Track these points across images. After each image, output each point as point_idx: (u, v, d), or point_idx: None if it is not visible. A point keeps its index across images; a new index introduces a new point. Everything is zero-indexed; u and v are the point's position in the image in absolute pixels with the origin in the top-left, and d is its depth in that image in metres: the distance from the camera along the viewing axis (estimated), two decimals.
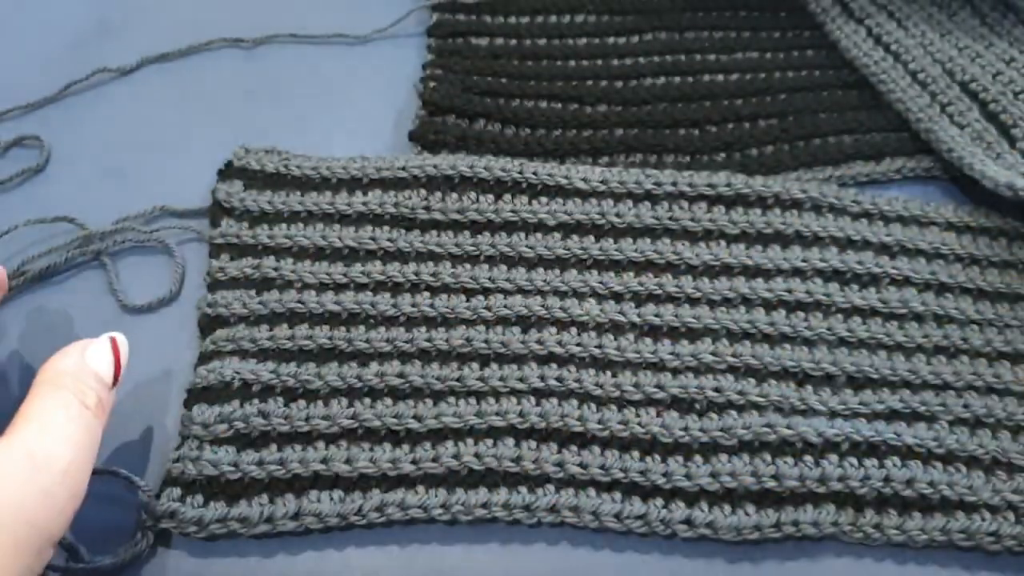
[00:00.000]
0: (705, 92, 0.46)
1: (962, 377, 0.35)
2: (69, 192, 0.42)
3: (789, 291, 0.37)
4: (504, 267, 0.38)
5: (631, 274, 0.38)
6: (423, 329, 0.36)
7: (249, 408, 0.33)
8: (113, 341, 0.31)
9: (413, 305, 0.36)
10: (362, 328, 0.36)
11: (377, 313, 0.36)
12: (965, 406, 0.35)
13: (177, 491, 0.32)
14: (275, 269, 0.37)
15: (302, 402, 0.34)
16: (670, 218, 0.39)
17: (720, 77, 0.47)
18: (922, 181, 0.44)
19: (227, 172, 0.41)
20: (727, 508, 0.32)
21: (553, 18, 0.50)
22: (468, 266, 0.38)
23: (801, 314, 0.37)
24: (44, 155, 0.43)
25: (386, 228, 0.39)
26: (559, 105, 0.45)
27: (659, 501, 0.32)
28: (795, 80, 0.47)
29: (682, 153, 0.43)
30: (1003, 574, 0.32)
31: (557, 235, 0.39)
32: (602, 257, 0.38)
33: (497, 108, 0.44)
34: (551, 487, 0.32)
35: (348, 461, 0.32)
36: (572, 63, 0.48)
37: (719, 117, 0.45)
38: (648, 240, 0.39)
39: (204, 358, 0.36)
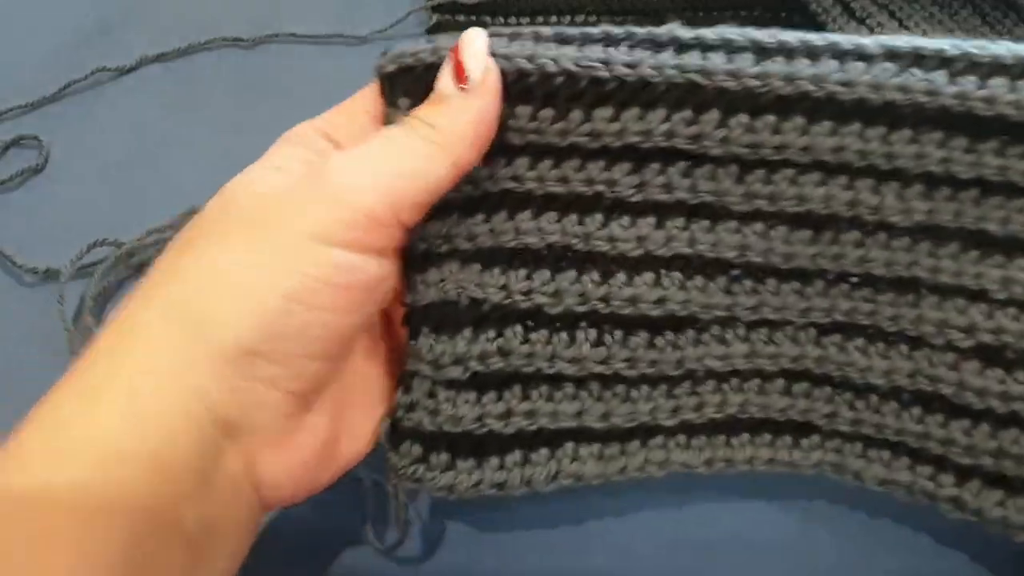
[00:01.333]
0: None
1: None
2: (68, 191, 0.42)
3: None
4: (801, 118, 0.26)
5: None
6: (679, 220, 0.27)
7: (486, 343, 0.27)
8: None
9: (662, 174, 0.27)
10: (599, 218, 0.27)
11: (612, 194, 0.27)
12: None
13: (417, 448, 0.28)
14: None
15: (543, 331, 0.28)
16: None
17: None
18: None
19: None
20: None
21: (554, 18, 0.50)
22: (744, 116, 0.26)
23: None
24: (43, 155, 0.43)
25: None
26: None
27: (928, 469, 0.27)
28: None
29: None
30: None
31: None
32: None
33: None
34: (816, 438, 0.28)
35: (605, 416, 0.28)
36: None
37: None
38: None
39: (416, 262, 0.28)
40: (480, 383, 0.28)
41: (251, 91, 0.47)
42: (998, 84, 0.24)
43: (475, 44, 0.26)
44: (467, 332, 0.28)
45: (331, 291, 0.24)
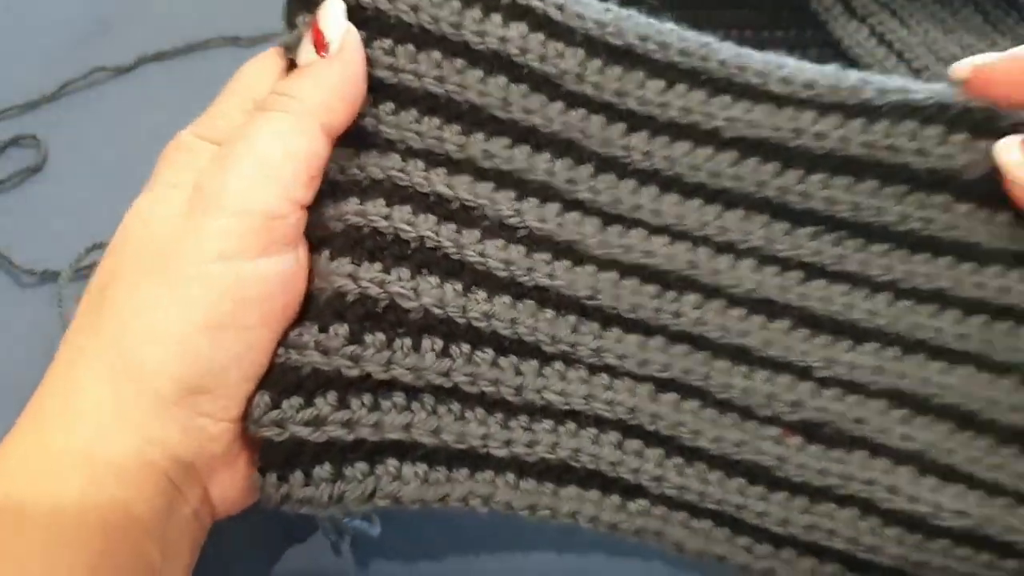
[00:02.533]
0: None
1: None
2: (66, 191, 0.42)
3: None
4: (655, 188, 0.28)
5: (807, 230, 0.28)
6: (547, 255, 0.27)
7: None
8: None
9: (539, 218, 0.27)
10: (476, 234, 0.27)
11: (495, 215, 0.27)
12: None
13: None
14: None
15: (381, 334, 0.26)
16: (888, 146, 0.27)
17: None
18: None
19: None
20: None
21: None
22: (614, 176, 0.28)
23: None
24: (41, 154, 0.43)
25: (524, 87, 0.27)
26: None
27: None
28: None
29: None
30: None
31: (733, 152, 0.28)
32: (778, 199, 0.28)
33: None
34: (643, 503, 0.27)
35: (435, 432, 0.26)
36: None
37: None
38: (851, 179, 0.27)
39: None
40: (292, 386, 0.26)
41: None
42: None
43: (332, 10, 0.27)
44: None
45: (251, 307, 0.24)
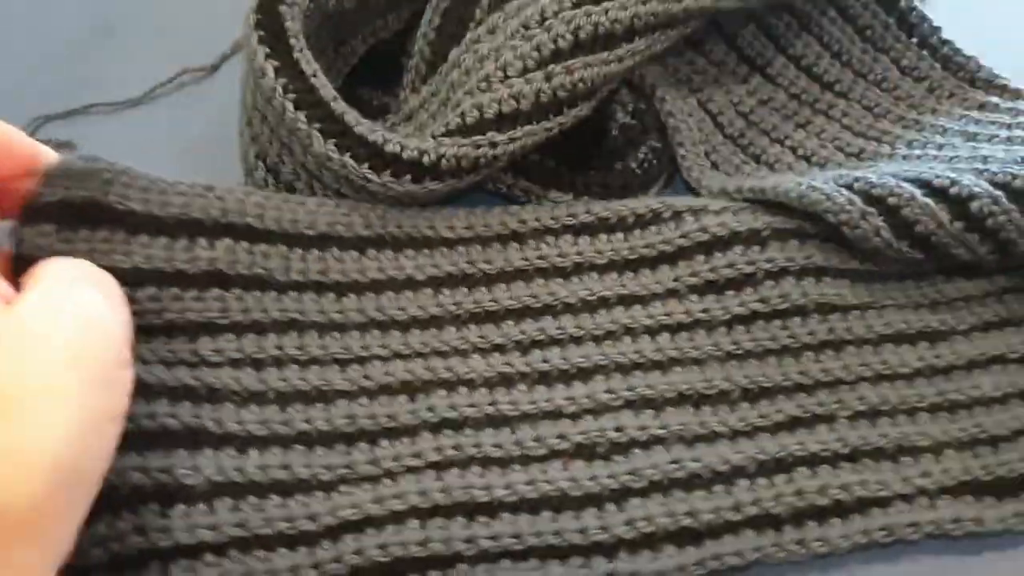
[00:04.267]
0: None
1: (852, 369, 0.35)
2: None
3: (668, 314, 0.36)
4: (377, 332, 0.34)
5: (511, 322, 0.35)
6: (299, 406, 0.32)
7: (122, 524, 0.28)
8: None
9: (282, 380, 0.32)
10: (230, 406, 0.31)
11: (242, 389, 0.31)
12: (860, 398, 0.34)
13: None
14: None
15: (181, 506, 0.29)
16: (539, 257, 0.37)
17: None
18: None
19: (35, 210, 0.32)
20: (647, 553, 0.30)
21: None
22: (337, 335, 0.34)
23: (685, 334, 0.35)
24: None
25: (237, 291, 0.33)
26: None
27: (577, 560, 0.30)
28: None
29: None
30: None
31: (428, 291, 0.36)
32: (478, 309, 0.36)
33: None
34: (464, 567, 0.30)
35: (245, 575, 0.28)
36: None
37: None
38: (522, 283, 0.36)
39: None
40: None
41: None
42: None
43: None
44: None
45: None
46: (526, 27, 0.38)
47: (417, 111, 0.41)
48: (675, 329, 0.36)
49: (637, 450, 0.32)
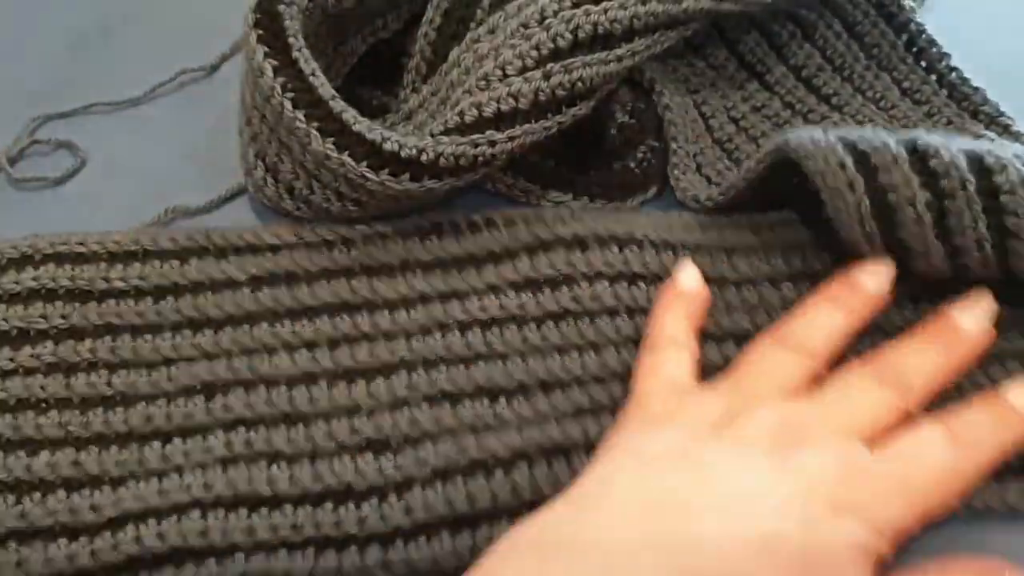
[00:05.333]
0: None
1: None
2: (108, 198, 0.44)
3: (483, 309, 0.36)
4: (189, 332, 0.36)
5: (325, 318, 0.36)
6: (100, 411, 0.34)
7: None
8: None
9: (89, 385, 0.34)
10: (31, 414, 0.33)
11: (48, 396, 0.34)
12: None
13: None
14: None
15: None
16: (366, 256, 0.38)
17: None
18: None
19: None
20: (422, 540, 0.31)
21: None
22: (149, 337, 0.36)
23: (496, 330, 0.36)
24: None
25: (59, 304, 0.36)
26: None
27: (353, 549, 0.31)
28: None
29: None
30: None
31: (247, 290, 0.37)
32: (295, 305, 0.37)
33: None
34: (241, 556, 0.30)
35: (19, 564, 0.30)
36: None
37: None
38: (344, 280, 0.37)
39: None
40: None
41: None
42: None
43: None
44: None
45: None
46: (525, 26, 0.38)
47: (417, 110, 0.41)
48: (487, 325, 0.36)
49: (427, 442, 0.33)
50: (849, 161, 0.33)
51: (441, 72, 0.41)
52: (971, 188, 0.32)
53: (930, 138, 0.33)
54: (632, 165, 0.42)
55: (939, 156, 0.32)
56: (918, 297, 0.35)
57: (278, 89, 0.36)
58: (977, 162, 0.32)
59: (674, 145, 0.42)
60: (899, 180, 0.32)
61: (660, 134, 0.43)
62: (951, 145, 0.33)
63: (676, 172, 0.42)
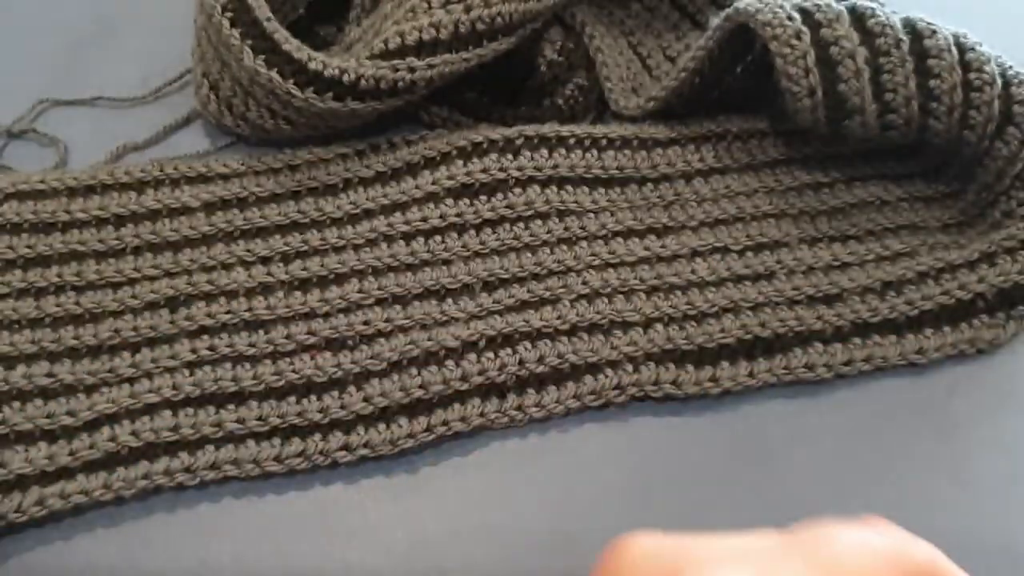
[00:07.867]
0: None
1: (582, 259, 0.39)
2: None
3: (424, 219, 0.39)
4: (149, 255, 0.39)
5: (277, 237, 0.39)
6: (70, 328, 0.37)
7: None
8: None
9: (58, 306, 0.37)
10: (5, 334, 0.36)
11: (20, 317, 0.37)
12: (584, 283, 0.38)
13: None
14: None
15: None
16: (310, 178, 0.41)
17: None
18: None
19: None
20: (381, 426, 0.34)
21: None
22: (112, 260, 0.38)
23: (438, 237, 0.39)
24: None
25: (25, 236, 0.39)
26: None
27: (317, 436, 0.34)
28: None
29: None
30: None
31: (201, 215, 0.40)
32: (248, 226, 0.39)
33: None
34: (211, 447, 0.34)
35: (2, 465, 0.33)
36: None
37: None
38: (292, 203, 0.40)
39: None
40: None
41: None
42: None
43: None
44: None
45: None
46: None
47: (355, 43, 0.44)
48: (429, 233, 0.40)
49: (381, 339, 0.36)
50: (796, 15, 0.38)
51: (380, 5, 0.44)
52: (904, 48, 0.37)
53: (868, 2, 0.38)
54: (560, 102, 0.45)
55: (876, 17, 0.37)
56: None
57: (218, 8, 0.39)
58: (910, 26, 0.37)
59: (608, 84, 0.45)
60: (841, 33, 0.37)
61: (590, 73, 0.46)
62: (887, 10, 0.37)
63: (619, 100, 0.44)
